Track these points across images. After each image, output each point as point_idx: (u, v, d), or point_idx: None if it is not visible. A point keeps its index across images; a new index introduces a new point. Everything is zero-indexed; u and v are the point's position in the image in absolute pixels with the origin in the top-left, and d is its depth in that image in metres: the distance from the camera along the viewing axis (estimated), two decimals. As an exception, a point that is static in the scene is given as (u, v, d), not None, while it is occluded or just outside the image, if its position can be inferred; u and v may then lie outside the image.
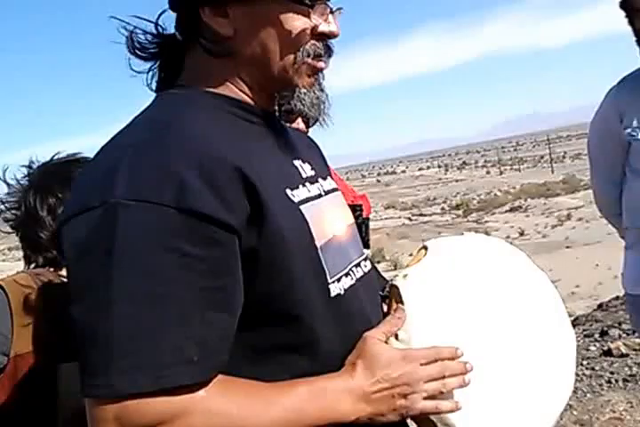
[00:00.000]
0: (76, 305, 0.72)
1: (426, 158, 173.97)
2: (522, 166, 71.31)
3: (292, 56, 0.87)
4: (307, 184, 0.91)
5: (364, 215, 1.62)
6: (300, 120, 1.66)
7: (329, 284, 0.86)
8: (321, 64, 0.90)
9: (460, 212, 39.31)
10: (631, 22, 1.71)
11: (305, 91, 0.91)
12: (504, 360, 0.92)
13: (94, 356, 0.70)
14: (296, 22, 0.86)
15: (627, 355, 3.95)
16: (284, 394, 0.79)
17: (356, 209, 1.56)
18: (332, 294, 0.86)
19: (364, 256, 0.99)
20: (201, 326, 0.73)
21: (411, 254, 1.04)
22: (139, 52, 0.92)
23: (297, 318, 0.82)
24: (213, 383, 0.74)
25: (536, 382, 0.93)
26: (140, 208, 0.72)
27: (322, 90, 1.71)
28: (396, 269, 19.12)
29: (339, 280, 0.88)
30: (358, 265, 0.95)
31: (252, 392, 0.78)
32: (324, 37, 0.89)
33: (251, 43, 0.87)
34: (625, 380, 3.75)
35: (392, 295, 0.94)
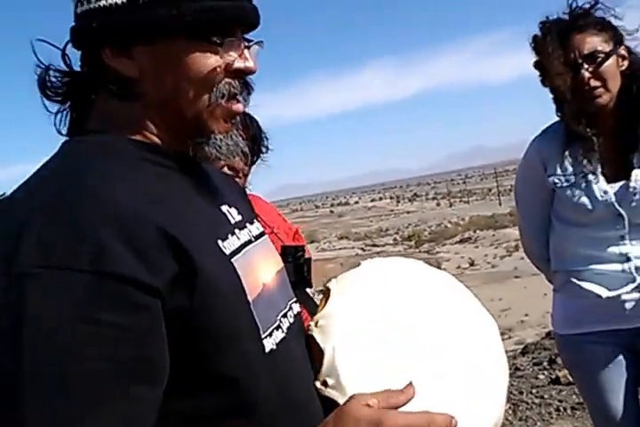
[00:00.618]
0: None
1: (378, 190, 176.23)
2: (471, 199, 73.14)
3: (205, 97, 0.81)
4: (236, 231, 0.86)
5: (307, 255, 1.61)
6: (238, 158, 1.62)
7: (262, 339, 0.80)
8: (238, 107, 0.85)
9: (412, 242, 39.77)
10: (542, 82, 1.85)
11: (221, 137, 0.85)
12: (440, 382, 0.88)
13: None
14: (206, 61, 0.80)
15: (574, 383, 4.00)
16: None
17: (298, 250, 1.55)
18: (267, 350, 0.80)
19: (291, 302, 0.95)
20: (123, 403, 0.66)
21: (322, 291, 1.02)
22: (49, 93, 0.84)
23: (234, 379, 0.76)
24: None
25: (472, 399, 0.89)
26: (51, 276, 0.65)
27: (252, 134, 1.67)
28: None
29: (270, 335, 0.82)
30: (285, 315, 0.90)
31: None
32: (241, 74, 0.84)
33: (158, 84, 0.81)
34: (573, 408, 3.80)
35: (311, 346, 0.91)
